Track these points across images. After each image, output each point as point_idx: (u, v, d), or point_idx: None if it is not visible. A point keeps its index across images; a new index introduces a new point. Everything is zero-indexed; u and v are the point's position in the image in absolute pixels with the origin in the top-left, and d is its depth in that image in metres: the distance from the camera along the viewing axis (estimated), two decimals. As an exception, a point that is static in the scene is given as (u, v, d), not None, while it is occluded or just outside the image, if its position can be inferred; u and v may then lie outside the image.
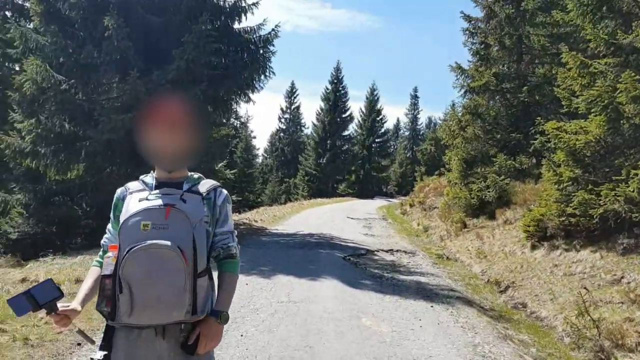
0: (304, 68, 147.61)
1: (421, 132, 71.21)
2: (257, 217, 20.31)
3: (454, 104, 29.14)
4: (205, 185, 2.17)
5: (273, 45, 15.14)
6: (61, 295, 2.00)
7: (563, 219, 8.71)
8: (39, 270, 8.78)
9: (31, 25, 14.10)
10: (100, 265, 2.06)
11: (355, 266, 9.70)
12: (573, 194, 8.37)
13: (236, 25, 15.15)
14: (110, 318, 1.95)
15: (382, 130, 57.62)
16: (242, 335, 5.17)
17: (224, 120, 18.01)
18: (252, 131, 59.31)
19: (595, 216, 7.86)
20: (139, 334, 1.97)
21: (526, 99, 15.10)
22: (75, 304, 2.06)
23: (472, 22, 17.49)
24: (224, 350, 4.61)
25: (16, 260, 12.23)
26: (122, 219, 2.02)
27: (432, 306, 6.78)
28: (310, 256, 10.58)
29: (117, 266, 1.91)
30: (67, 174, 13.65)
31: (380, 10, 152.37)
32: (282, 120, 63.01)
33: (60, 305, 2.01)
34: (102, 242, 2.19)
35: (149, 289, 1.88)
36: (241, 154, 44.34)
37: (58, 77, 12.33)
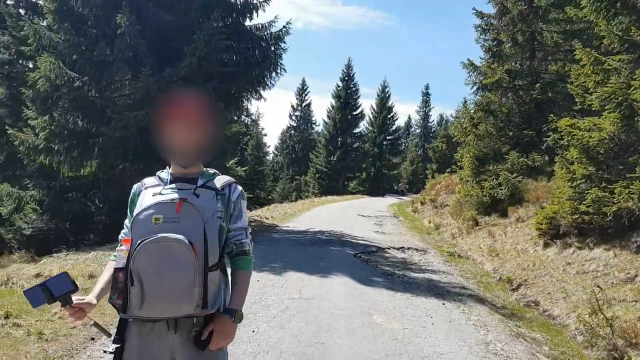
0: (315, 65, 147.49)
1: (432, 130, 70.98)
2: (268, 214, 20.35)
3: (465, 101, 28.96)
4: (220, 180, 2.18)
5: (284, 42, 15.16)
6: (76, 288, 2.03)
7: (576, 216, 8.65)
8: (53, 265, 8.86)
9: (44, 23, 14.19)
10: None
11: (366, 263, 9.70)
12: (586, 192, 8.30)
13: (247, 23, 15.19)
14: (122, 310, 1.97)
15: (393, 127, 57.45)
16: (253, 331, 5.18)
17: (235, 118, 18.06)
18: (262, 129, 59.51)
19: (608, 214, 7.79)
20: (151, 328, 1.98)
21: (539, 96, 15.00)
22: (90, 297, 2.08)
23: (485, 18, 17.43)
24: (236, 346, 4.63)
25: (30, 255, 12.37)
26: (135, 213, 2.03)
27: (443, 304, 6.76)
28: (321, 253, 10.59)
29: (129, 259, 1.93)
30: (80, 170, 13.76)
31: (392, 6, 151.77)
32: (293, 117, 63.12)
33: (75, 298, 2.03)
34: (119, 237, 2.21)
35: (159, 282, 1.89)
36: (252, 151, 44.36)
37: (71, 74, 12.43)
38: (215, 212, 2.05)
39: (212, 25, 12.74)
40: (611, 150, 8.40)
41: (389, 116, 55.98)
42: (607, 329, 5.35)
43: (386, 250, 11.52)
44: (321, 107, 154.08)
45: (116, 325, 2.08)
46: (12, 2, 19.54)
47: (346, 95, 53.18)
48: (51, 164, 13.47)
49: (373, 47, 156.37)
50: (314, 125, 63.30)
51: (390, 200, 36.71)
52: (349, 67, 54.31)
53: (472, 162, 15.68)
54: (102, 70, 12.95)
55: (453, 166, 20.83)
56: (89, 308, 2.06)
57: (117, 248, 2.08)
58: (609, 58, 8.47)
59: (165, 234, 1.91)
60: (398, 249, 11.80)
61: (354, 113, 54.00)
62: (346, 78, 53.97)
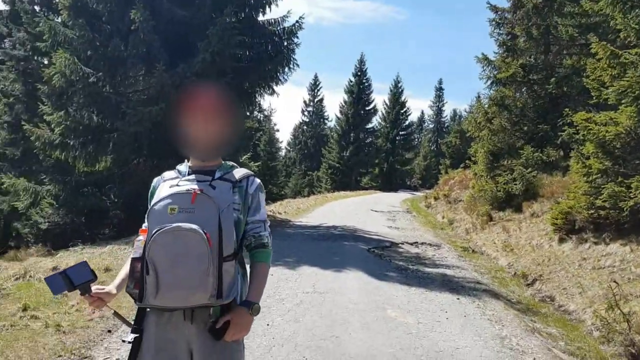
0: (327, 61, 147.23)
1: (446, 125, 70.74)
2: (281, 209, 20.40)
3: (479, 96, 28.79)
4: (238, 173, 2.18)
5: (297, 37, 15.14)
6: (95, 278, 2.06)
7: (592, 211, 8.57)
8: (69, 259, 8.94)
9: (59, 19, 14.30)
10: None
11: (380, 258, 9.69)
12: (602, 187, 8.22)
13: (260, 17, 15.18)
14: (138, 299, 1.98)
15: (406, 123, 57.27)
16: (268, 325, 5.21)
17: (248, 113, 18.10)
18: (275, 124, 59.77)
19: (625, 209, 7.71)
20: (168, 318, 2.00)
21: (554, 91, 14.85)
22: (110, 287, 2.12)
23: (499, 12, 17.27)
24: (250, 339, 4.65)
25: (46, 249, 12.50)
26: (152, 203, 2.06)
27: (458, 298, 6.74)
28: (335, 248, 10.60)
29: (145, 248, 1.95)
30: (95, 165, 13.88)
31: (404, 1, 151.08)
32: (306, 113, 63.15)
33: (95, 287, 2.07)
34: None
35: (174, 271, 1.90)
36: (264, 146, 44.48)
37: (86, 70, 12.52)
38: (231, 204, 2.05)
39: (225, 20, 12.77)
40: (627, 144, 8.30)
41: (402, 111, 55.80)
42: (624, 325, 5.31)
43: (400, 245, 11.51)
44: (333, 103, 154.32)
45: (134, 316, 2.11)
46: (28, -1, 19.69)
47: (359, 91, 53.05)
48: (67, 159, 13.59)
49: (385, 42, 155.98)
50: (326, 121, 63.39)
51: (403, 195, 36.63)
52: (361, 62, 54.18)
53: (486, 157, 15.59)
54: (116, 66, 13.04)
55: (467, 161, 20.75)
56: (108, 298, 2.10)
57: (135, 239, 2.10)
58: (625, 52, 8.36)
59: (180, 224, 1.92)
60: (411, 244, 11.78)
61: (367, 108, 53.88)
62: (359, 73, 53.83)
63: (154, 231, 1.93)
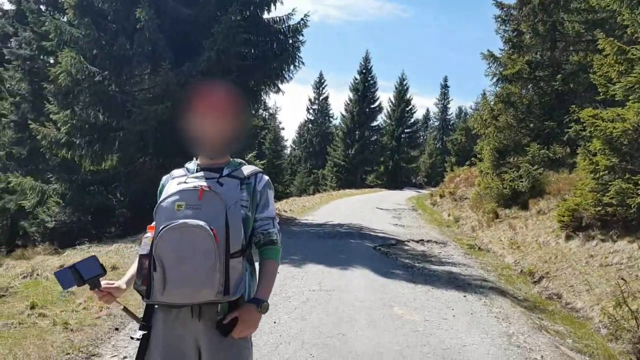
0: (332, 59, 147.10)
1: (451, 122, 70.54)
2: (287, 207, 20.42)
3: (485, 93, 28.71)
4: (247, 170, 2.18)
5: (302, 35, 15.12)
6: (104, 272, 2.07)
7: (599, 208, 8.53)
8: (76, 257, 8.97)
9: (65, 19, 14.35)
10: None
11: (386, 256, 9.68)
12: (610, 183, 8.18)
13: (265, 15, 15.18)
14: (145, 296, 1.98)
15: (412, 120, 57.06)
16: (275, 322, 5.21)
17: (253, 111, 18.09)
18: (280, 122, 59.66)
19: (632, 206, 7.67)
20: (176, 315, 2.00)
21: (560, 87, 14.79)
22: (120, 282, 2.13)
23: (505, 9, 17.22)
24: (257, 337, 4.65)
25: (53, 248, 12.56)
26: (159, 200, 2.06)
27: (464, 296, 6.73)
28: (340, 246, 10.60)
29: (152, 245, 1.95)
30: (101, 164, 13.93)
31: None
32: (311, 111, 63.08)
33: (105, 282, 2.07)
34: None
35: (180, 267, 1.89)
36: (270, 145, 44.51)
37: (92, 68, 12.56)
38: (239, 201, 2.05)
39: (230, 18, 12.76)
40: (635, 141, 8.26)
41: (407, 109, 55.60)
42: (632, 322, 5.28)
43: (405, 242, 11.49)
44: (339, 101, 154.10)
45: (142, 313, 2.11)
46: (34, -2, 19.75)
47: (364, 89, 52.93)
48: (73, 158, 13.64)
49: (390, 40, 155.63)
50: (331, 119, 63.28)
51: (408, 193, 36.57)
52: (366, 60, 54.08)
53: (492, 154, 15.54)
54: (122, 65, 13.07)
55: (472, 159, 20.70)
56: (117, 293, 2.11)
57: (143, 235, 2.10)
58: (632, 47, 8.31)
59: (186, 220, 1.92)
60: (417, 241, 11.76)
61: (372, 106, 53.76)
62: (364, 71, 53.70)
63: (160, 228, 1.94)
